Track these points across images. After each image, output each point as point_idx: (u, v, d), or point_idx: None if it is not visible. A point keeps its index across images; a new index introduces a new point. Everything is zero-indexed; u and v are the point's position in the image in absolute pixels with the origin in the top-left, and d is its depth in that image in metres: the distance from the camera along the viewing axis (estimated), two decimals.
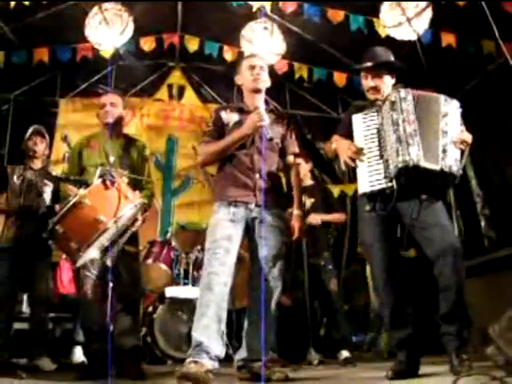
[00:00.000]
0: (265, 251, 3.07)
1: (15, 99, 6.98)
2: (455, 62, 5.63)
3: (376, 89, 3.15)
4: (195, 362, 2.72)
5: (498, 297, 5.06)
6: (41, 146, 4.56)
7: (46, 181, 4.42)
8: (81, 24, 5.63)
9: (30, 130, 4.56)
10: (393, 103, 2.95)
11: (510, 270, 5.11)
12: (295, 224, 3.24)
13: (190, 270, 5.32)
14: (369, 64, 3.15)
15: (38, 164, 4.49)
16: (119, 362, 3.25)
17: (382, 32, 5.36)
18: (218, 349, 2.84)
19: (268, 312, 3.03)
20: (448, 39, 5.40)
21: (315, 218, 4.83)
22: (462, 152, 2.98)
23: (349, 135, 3.12)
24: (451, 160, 2.89)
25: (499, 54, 5.05)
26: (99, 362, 3.15)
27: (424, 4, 5.01)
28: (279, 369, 3.26)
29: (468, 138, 2.98)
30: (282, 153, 3.34)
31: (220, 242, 2.98)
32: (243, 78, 3.29)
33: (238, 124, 3.19)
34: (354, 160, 3.01)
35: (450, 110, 3.00)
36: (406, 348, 2.91)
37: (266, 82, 3.28)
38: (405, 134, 2.86)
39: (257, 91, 3.26)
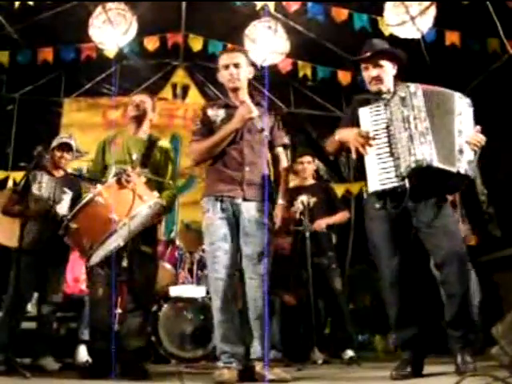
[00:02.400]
0: (249, 248, 3.03)
1: (20, 99, 7.01)
2: (459, 61, 5.61)
3: (378, 78, 3.10)
4: (228, 368, 2.86)
5: (504, 296, 5.05)
6: (66, 159, 4.45)
7: (65, 188, 4.40)
8: (85, 24, 5.66)
9: (58, 142, 4.43)
10: (403, 99, 2.87)
11: None
12: (278, 214, 3.16)
13: (195, 270, 5.32)
14: (367, 54, 3.12)
15: (60, 172, 4.44)
16: (123, 362, 3.24)
17: (386, 31, 5.34)
18: (242, 349, 2.97)
19: (249, 310, 3.03)
20: (452, 37, 5.38)
21: (320, 225, 4.77)
22: (475, 153, 2.89)
23: None
24: (466, 161, 2.83)
25: (504, 51, 5.04)
26: (103, 361, 3.16)
27: (428, 2, 5.00)
28: (283, 368, 3.23)
29: (482, 140, 2.89)
30: (271, 145, 3.28)
31: (217, 243, 3.00)
32: (221, 76, 3.26)
33: (226, 120, 3.14)
34: (364, 148, 2.90)
35: (463, 108, 2.93)
36: (411, 348, 2.89)
37: (241, 80, 3.19)
38: (417, 132, 2.79)
39: (233, 90, 3.22)
